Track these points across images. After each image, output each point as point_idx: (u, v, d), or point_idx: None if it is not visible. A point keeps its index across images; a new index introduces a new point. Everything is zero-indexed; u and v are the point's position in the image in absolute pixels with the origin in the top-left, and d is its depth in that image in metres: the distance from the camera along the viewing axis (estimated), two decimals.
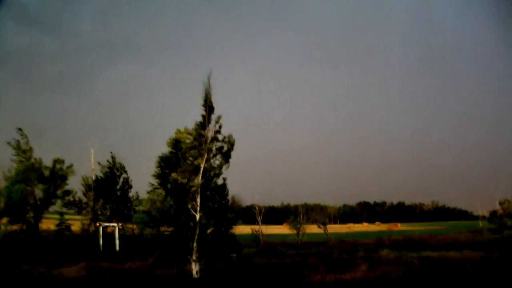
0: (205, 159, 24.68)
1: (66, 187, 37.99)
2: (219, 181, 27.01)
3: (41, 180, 36.74)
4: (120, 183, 38.81)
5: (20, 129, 36.24)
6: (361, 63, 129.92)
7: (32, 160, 36.49)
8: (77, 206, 38.39)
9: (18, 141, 36.22)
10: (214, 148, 25.36)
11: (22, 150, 36.15)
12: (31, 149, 36.51)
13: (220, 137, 25.46)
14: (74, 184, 38.50)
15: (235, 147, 26.25)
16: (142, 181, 36.15)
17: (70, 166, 37.76)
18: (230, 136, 25.65)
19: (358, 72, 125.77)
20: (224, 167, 25.60)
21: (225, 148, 25.70)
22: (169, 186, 27.46)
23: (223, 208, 27.63)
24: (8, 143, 35.99)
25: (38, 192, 36.87)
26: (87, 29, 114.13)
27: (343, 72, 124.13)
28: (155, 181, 28.34)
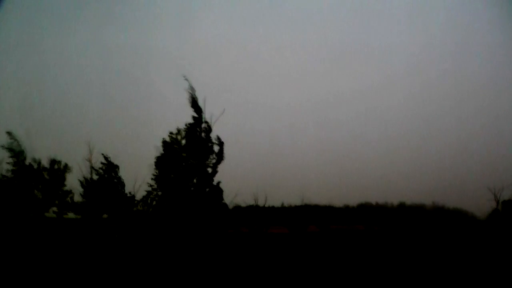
0: (199, 159, 24.88)
1: (65, 188, 38.15)
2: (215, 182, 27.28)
3: (40, 182, 36.81)
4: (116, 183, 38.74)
5: (9, 133, 35.78)
6: (361, 65, 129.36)
7: (27, 162, 36.30)
8: (76, 207, 38.47)
9: (10, 144, 35.74)
10: (207, 148, 25.60)
11: (15, 153, 35.77)
12: (24, 151, 36.07)
13: (212, 137, 25.76)
14: (74, 184, 38.58)
15: (234, 148, 26.65)
16: (139, 181, 36.04)
17: (67, 167, 37.79)
18: (218, 138, 26.14)
19: (356, 80, 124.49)
20: (218, 166, 25.84)
21: (216, 149, 26.11)
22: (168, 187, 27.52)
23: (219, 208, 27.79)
24: (1, 146, 35.62)
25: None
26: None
27: (342, 76, 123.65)
28: (153, 183, 28.40)
